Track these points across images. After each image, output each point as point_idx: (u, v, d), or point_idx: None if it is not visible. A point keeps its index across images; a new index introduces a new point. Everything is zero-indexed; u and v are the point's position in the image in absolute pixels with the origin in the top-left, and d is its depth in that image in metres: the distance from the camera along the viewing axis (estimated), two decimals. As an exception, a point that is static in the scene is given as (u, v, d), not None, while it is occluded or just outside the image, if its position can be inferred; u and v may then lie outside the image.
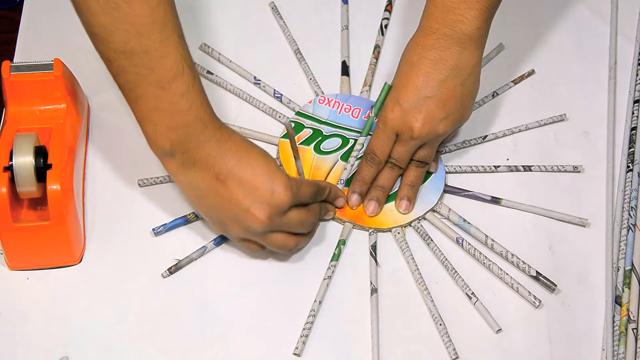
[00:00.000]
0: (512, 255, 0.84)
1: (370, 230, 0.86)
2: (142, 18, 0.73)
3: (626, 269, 0.84)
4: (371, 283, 0.83)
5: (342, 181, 0.88)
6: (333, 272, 0.83)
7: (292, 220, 0.80)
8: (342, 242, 0.85)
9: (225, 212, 0.79)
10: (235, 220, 0.78)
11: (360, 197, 0.87)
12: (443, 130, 0.85)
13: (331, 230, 0.87)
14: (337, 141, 0.91)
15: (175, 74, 0.75)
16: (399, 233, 0.86)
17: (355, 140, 0.90)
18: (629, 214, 0.87)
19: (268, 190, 0.78)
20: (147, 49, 0.73)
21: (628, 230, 0.86)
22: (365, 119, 0.91)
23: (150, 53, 0.74)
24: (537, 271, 0.84)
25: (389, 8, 1.02)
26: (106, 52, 0.75)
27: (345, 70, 0.97)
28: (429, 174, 0.89)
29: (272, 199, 0.78)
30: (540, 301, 0.82)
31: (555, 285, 0.83)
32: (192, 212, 0.86)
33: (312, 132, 0.91)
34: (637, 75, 0.98)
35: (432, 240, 0.85)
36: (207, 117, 0.77)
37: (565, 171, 0.91)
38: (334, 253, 0.85)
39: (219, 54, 0.97)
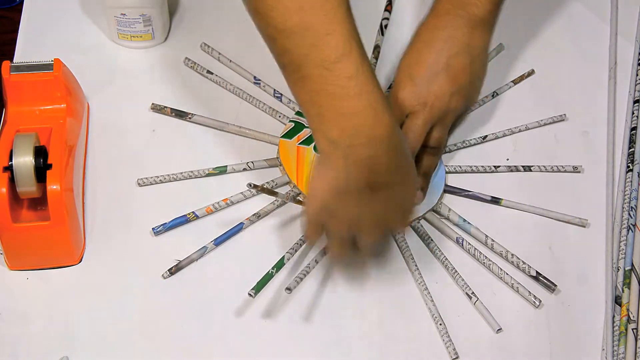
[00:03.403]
0: (512, 255, 0.84)
1: (370, 230, 0.86)
2: None
3: (626, 269, 0.84)
4: (371, 283, 0.83)
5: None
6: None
7: None
8: (342, 242, 0.85)
9: (370, 216, 0.74)
10: (377, 223, 0.75)
11: None
12: (454, 105, 0.85)
13: (331, 230, 0.87)
14: (337, 141, 0.91)
15: (341, 53, 0.68)
16: (399, 233, 0.86)
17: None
18: (629, 214, 0.87)
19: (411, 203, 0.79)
20: (309, 25, 0.68)
21: (628, 231, 0.86)
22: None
23: (312, 30, 0.68)
24: (537, 271, 0.83)
25: (389, 8, 1.02)
26: (268, 30, 0.70)
27: (345, 70, 0.96)
28: (429, 173, 0.89)
29: (411, 209, 0.80)
30: (540, 301, 0.82)
31: (555, 285, 0.83)
32: (192, 212, 0.86)
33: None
34: (637, 75, 0.98)
35: (432, 240, 0.85)
36: (379, 106, 0.70)
37: (565, 171, 0.91)
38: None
39: (219, 53, 0.97)
